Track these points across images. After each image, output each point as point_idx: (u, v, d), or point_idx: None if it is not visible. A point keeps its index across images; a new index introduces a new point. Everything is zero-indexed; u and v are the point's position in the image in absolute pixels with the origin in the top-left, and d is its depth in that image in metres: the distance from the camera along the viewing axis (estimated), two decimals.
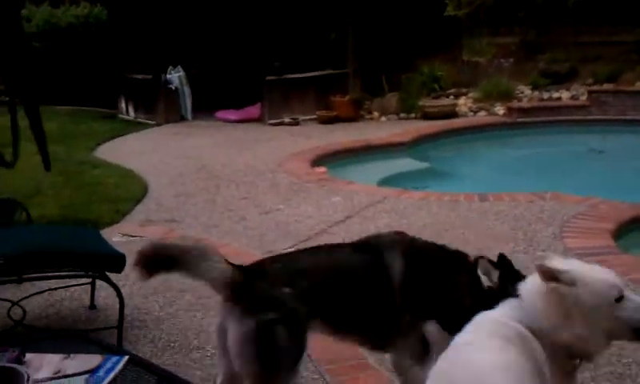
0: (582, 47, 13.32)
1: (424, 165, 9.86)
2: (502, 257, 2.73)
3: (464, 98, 13.02)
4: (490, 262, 2.72)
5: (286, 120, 12.36)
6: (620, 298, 2.03)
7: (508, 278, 2.58)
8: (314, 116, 12.58)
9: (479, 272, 2.72)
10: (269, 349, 2.55)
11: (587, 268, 2.10)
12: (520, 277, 2.44)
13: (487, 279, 2.69)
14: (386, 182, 8.52)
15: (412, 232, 5.73)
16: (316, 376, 3.55)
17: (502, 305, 2.15)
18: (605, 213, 5.88)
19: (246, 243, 5.76)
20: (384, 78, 13.11)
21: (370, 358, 3.66)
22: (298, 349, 2.61)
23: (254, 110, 12.98)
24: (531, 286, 2.12)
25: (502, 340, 1.96)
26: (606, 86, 11.97)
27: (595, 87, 12.03)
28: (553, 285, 2.02)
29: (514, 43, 14.11)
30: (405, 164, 9.77)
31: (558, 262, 2.09)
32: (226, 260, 2.66)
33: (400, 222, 6.17)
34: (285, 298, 2.61)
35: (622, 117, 11.13)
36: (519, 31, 14.45)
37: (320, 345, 3.77)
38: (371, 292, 2.81)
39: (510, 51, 13.85)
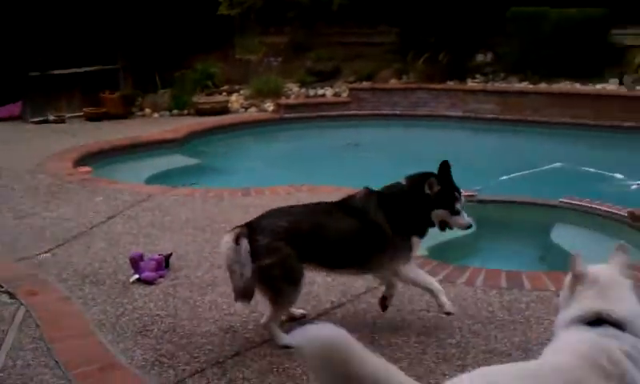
0: (346, 47, 14.22)
1: (195, 161, 9.96)
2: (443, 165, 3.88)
3: (236, 94, 13.31)
4: (437, 177, 3.85)
5: (51, 118, 11.78)
6: None
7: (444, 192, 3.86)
8: (82, 113, 12.13)
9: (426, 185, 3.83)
10: (271, 282, 3.70)
11: None
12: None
13: (429, 189, 3.84)
14: (155, 179, 8.49)
15: (174, 228, 5.88)
16: (63, 381, 3.49)
17: None
18: None
19: None
20: (157, 75, 13.00)
21: (120, 355, 3.69)
22: (291, 280, 3.72)
23: (14, 108, 12.19)
24: None
25: None
26: (365, 84, 12.91)
27: (355, 85, 12.92)
28: None
29: (282, 42, 14.69)
30: (176, 161, 9.80)
31: None
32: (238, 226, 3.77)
33: (163, 219, 6.21)
34: (280, 248, 3.67)
35: (377, 112, 12.10)
36: (288, 31, 15.08)
37: (68, 350, 3.74)
38: (359, 238, 3.81)
39: (280, 50, 14.40)
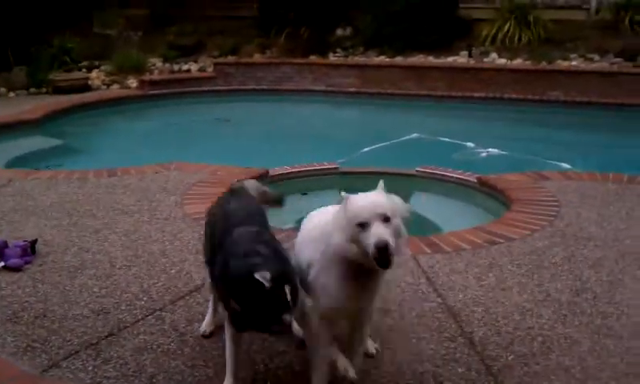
0: (208, 21, 14.18)
1: (57, 142, 9.67)
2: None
3: (96, 71, 12.95)
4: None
5: None
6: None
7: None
8: None
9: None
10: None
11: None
12: None
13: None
14: (15, 163, 8.19)
15: (38, 213, 5.76)
16: None
17: None
18: (221, 178, 6.45)
19: None
20: (10, 52, 12.39)
21: None
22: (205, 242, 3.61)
23: None
24: None
25: None
26: (230, 58, 12.97)
27: (220, 59, 12.93)
28: None
29: (142, 16, 14.39)
30: (36, 142, 9.47)
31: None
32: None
33: (26, 204, 6.05)
34: (214, 214, 3.51)
35: (243, 87, 12.22)
36: (147, 4, 14.78)
37: None
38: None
39: (139, 24, 14.11)
